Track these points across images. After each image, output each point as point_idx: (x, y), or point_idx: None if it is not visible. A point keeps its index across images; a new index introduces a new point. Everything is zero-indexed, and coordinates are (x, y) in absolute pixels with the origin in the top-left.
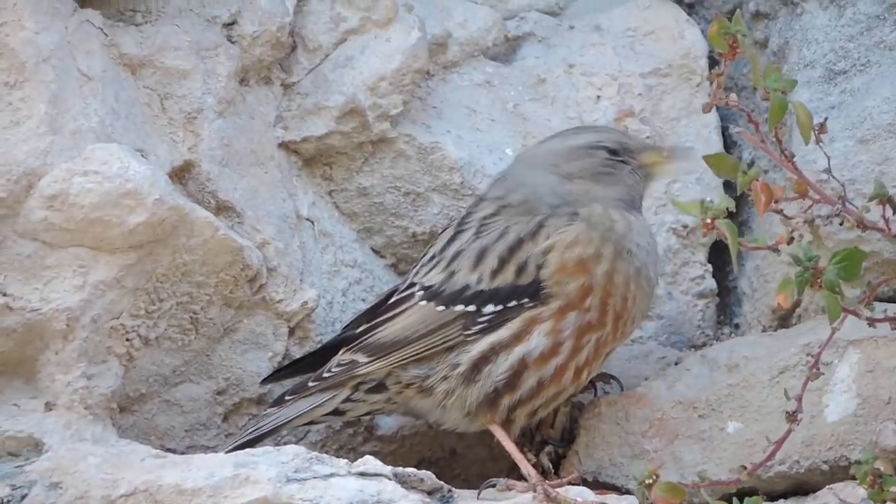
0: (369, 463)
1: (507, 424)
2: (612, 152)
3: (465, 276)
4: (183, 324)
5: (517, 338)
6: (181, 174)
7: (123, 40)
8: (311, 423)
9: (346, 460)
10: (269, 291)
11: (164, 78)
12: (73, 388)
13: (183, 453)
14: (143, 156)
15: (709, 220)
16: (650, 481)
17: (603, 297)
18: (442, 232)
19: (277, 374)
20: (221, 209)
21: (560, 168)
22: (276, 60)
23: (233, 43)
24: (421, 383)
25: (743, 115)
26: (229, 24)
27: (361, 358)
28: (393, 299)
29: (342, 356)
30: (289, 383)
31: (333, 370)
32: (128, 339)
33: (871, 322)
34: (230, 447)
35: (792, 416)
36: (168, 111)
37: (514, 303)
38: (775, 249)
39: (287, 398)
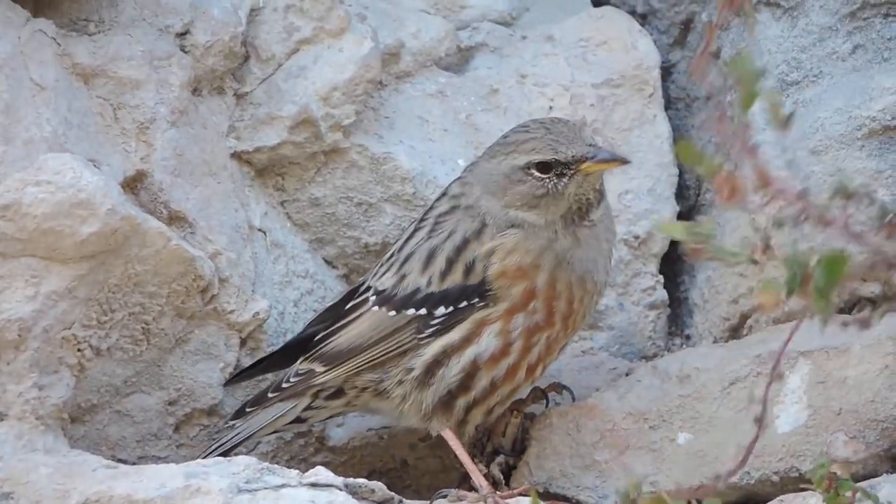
0: (320, 474)
1: (463, 425)
2: (545, 168)
3: (415, 279)
4: (134, 334)
5: (467, 340)
6: (133, 184)
7: (76, 50)
8: (275, 432)
9: (297, 471)
10: (220, 302)
11: (117, 88)
12: (24, 398)
13: (134, 464)
14: (95, 166)
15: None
16: (634, 496)
17: (547, 300)
18: (409, 226)
19: (241, 375)
20: (174, 219)
21: (502, 196)
22: (228, 70)
23: (186, 53)
24: (376, 387)
25: (691, 127)
26: (182, 34)
27: (318, 367)
28: (349, 304)
29: (300, 365)
30: (251, 385)
31: (292, 380)
32: (79, 350)
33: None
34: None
35: (758, 421)
36: (121, 121)
37: (464, 303)
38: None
39: (248, 409)
